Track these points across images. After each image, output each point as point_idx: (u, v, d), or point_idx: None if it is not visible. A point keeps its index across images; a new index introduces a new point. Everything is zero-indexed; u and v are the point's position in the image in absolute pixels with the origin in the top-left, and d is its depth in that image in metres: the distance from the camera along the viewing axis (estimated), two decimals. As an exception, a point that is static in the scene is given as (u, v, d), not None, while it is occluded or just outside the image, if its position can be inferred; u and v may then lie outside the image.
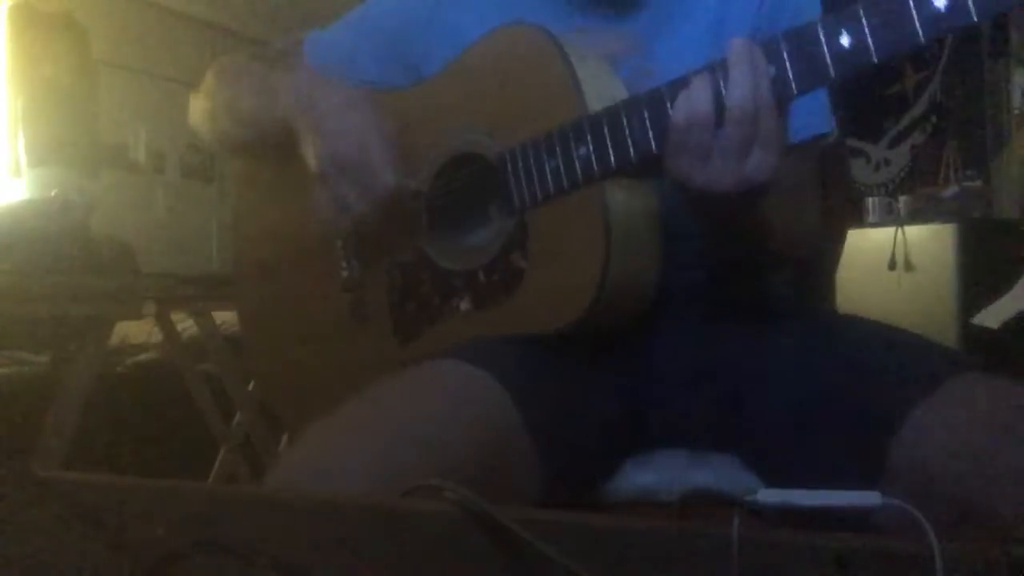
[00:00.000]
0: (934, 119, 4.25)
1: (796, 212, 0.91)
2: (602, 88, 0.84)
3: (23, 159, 3.43)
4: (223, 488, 1.02)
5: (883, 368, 0.78)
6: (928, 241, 3.46)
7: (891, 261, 3.49)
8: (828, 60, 0.69)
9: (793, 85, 0.72)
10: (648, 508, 0.85)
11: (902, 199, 3.88)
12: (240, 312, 1.15)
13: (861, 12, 0.68)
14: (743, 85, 0.71)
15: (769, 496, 0.46)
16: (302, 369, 1.05)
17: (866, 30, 0.68)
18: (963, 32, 3.92)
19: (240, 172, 1.16)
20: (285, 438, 2.25)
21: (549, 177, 0.83)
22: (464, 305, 0.89)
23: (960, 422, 0.69)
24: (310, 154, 0.90)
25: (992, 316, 2.97)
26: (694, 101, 0.73)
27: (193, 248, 3.92)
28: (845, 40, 0.69)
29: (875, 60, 0.68)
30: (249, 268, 1.12)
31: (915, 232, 3.50)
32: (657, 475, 0.87)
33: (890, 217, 3.78)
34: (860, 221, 3.78)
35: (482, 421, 0.75)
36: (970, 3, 0.64)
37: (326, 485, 0.66)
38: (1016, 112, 3.94)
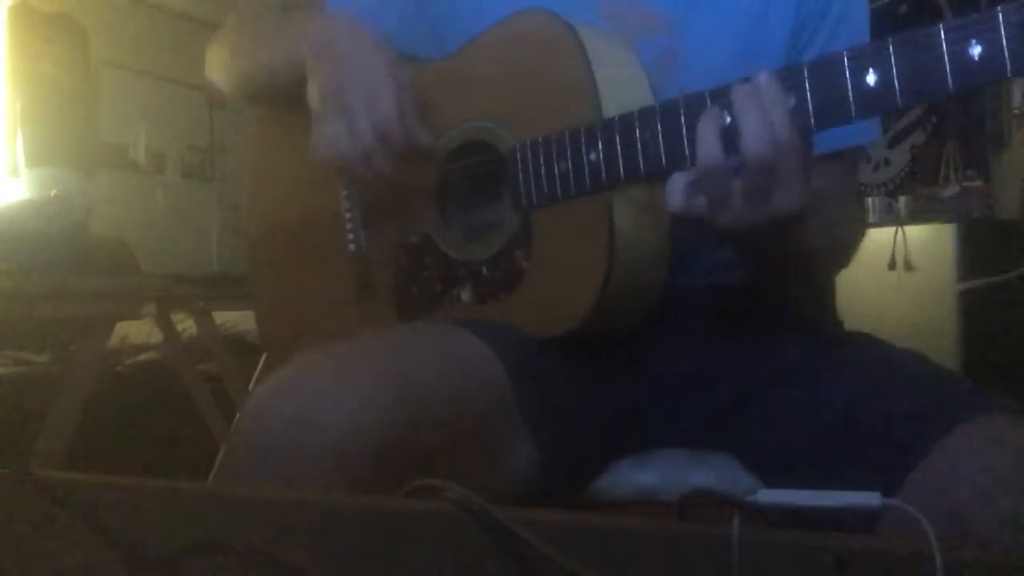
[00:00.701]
0: (934, 119, 4.24)
1: (838, 224, 0.88)
2: (621, 89, 0.82)
3: (22, 159, 3.43)
4: (223, 488, 1.02)
5: (896, 397, 0.75)
6: (928, 241, 3.46)
7: (891, 261, 3.49)
8: (851, 98, 0.66)
9: (812, 120, 0.68)
10: (648, 508, 0.85)
11: (902, 199, 3.87)
12: (254, 286, 1.14)
13: (892, 53, 0.64)
14: (756, 133, 0.68)
15: (769, 496, 0.45)
16: (309, 341, 1.05)
17: (894, 72, 0.64)
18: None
19: (251, 159, 1.15)
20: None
21: (558, 179, 0.82)
22: (465, 296, 0.89)
23: (976, 467, 0.65)
24: (313, 87, 0.88)
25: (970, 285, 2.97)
26: (703, 149, 0.70)
27: (193, 248, 3.92)
28: (871, 79, 0.65)
29: (899, 104, 0.65)
30: (263, 243, 1.12)
31: (915, 232, 3.49)
32: (657, 475, 0.87)
33: (890, 217, 3.78)
34: (860, 221, 3.77)
35: (469, 372, 0.76)
36: (1006, 57, 0.60)
37: (308, 403, 0.67)
38: (1016, 112, 3.94)
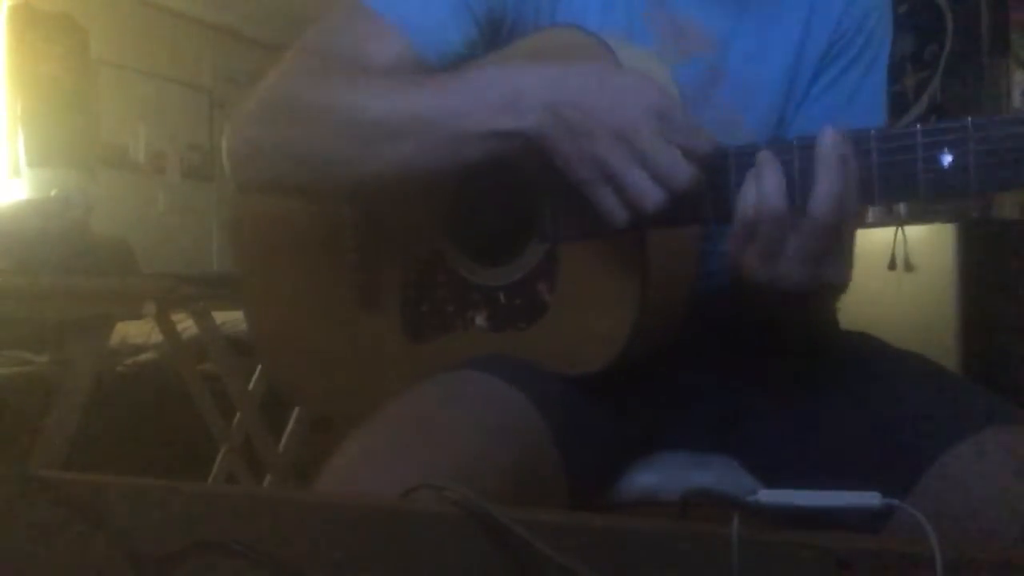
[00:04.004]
0: (934, 119, 4.24)
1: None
2: None
3: (23, 159, 3.44)
4: (223, 488, 1.02)
5: (908, 406, 0.74)
6: (928, 241, 3.46)
7: (891, 261, 3.49)
8: (920, 177, 0.62)
9: (876, 194, 0.64)
10: (649, 508, 0.85)
11: (902, 199, 3.87)
12: (246, 299, 1.11)
13: (970, 134, 0.61)
14: (829, 193, 0.63)
15: (769, 496, 0.45)
16: (310, 352, 1.03)
17: (971, 156, 0.61)
18: (963, 32, 3.91)
19: None
20: (285, 438, 2.26)
21: (590, 214, 0.73)
22: (479, 321, 0.87)
23: (990, 474, 0.65)
24: (575, 154, 0.71)
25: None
26: (765, 192, 0.65)
27: (193, 248, 3.92)
28: (946, 160, 0.61)
29: (973, 190, 0.61)
30: (253, 250, 1.08)
31: (915, 232, 3.49)
32: (658, 476, 0.87)
33: (890, 217, 3.78)
34: (860, 221, 3.76)
35: (517, 444, 0.73)
36: None
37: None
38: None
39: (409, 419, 0.73)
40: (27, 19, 3.49)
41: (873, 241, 3.51)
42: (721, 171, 0.70)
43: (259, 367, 2.26)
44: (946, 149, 0.62)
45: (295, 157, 0.80)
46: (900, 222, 3.61)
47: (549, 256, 0.82)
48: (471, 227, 0.90)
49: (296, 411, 2.25)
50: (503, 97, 0.72)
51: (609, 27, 0.84)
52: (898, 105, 4.38)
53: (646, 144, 0.68)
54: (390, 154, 0.75)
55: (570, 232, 0.80)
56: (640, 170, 0.68)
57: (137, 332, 2.57)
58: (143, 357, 2.53)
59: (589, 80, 0.71)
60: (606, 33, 0.80)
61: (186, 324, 2.28)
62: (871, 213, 3.87)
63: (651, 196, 0.68)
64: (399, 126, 0.75)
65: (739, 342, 0.88)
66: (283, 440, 2.25)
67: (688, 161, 0.68)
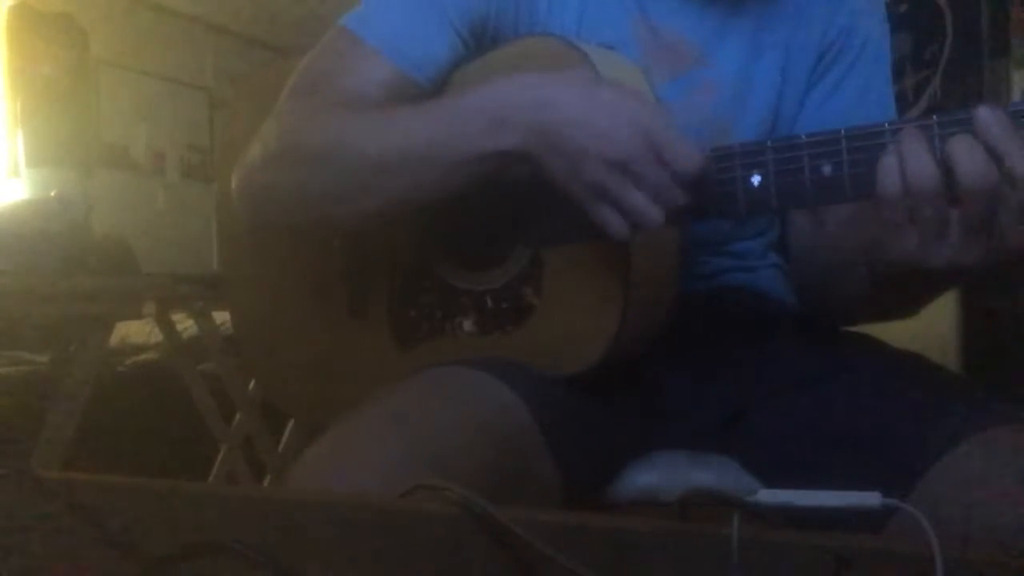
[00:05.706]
0: (934, 118, 4.24)
1: None
2: None
3: (22, 159, 3.43)
4: (223, 488, 1.01)
5: (908, 406, 0.74)
6: (928, 241, 3.46)
7: (891, 261, 3.49)
8: None
9: None
10: (648, 508, 0.85)
11: (902, 199, 3.86)
12: (232, 304, 1.12)
13: None
14: (974, 162, 0.61)
15: (769, 496, 0.46)
16: (299, 361, 1.03)
17: None
18: (963, 32, 3.90)
19: (226, 162, 1.11)
20: (285, 438, 2.26)
21: (574, 220, 0.74)
22: (467, 325, 0.87)
23: (993, 474, 0.65)
24: (567, 174, 0.71)
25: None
26: (914, 165, 0.62)
27: (193, 248, 3.92)
28: None
29: None
30: (241, 261, 1.09)
31: (915, 232, 3.50)
32: (657, 476, 0.86)
33: (890, 217, 3.78)
34: (860, 221, 3.75)
35: (504, 439, 0.74)
36: None
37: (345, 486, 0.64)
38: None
39: (389, 411, 0.74)
40: (26, 19, 3.49)
41: (873, 241, 3.50)
42: (727, 169, 0.70)
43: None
44: None
45: (306, 199, 0.83)
46: (900, 222, 3.60)
47: (534, 259, 0.83)
48: (457, 232, 0.90)
49: (296, 411, 2.25)
50: (489, 120, 0.73)
51: (588, 39, 0.84)
52: (897, 105, 4.37)
53: (639, 169, 0.68)
54: (389, 189, 0.78)
55: (555, 237, 0.81)
56: (638, 192, 0.69)
57: (137, 332, 2.57)
58: (143, 357, 2.52)
59: (574, 96, 0.71)
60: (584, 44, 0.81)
61: (186, 324, 2.28)
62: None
63: (651, 215, 0.69)
64: (393, 162, 0.77)
65: (737, 341, 0.88)
66: (283, 440, 2.25)
67: (679, 183, 0.68)
